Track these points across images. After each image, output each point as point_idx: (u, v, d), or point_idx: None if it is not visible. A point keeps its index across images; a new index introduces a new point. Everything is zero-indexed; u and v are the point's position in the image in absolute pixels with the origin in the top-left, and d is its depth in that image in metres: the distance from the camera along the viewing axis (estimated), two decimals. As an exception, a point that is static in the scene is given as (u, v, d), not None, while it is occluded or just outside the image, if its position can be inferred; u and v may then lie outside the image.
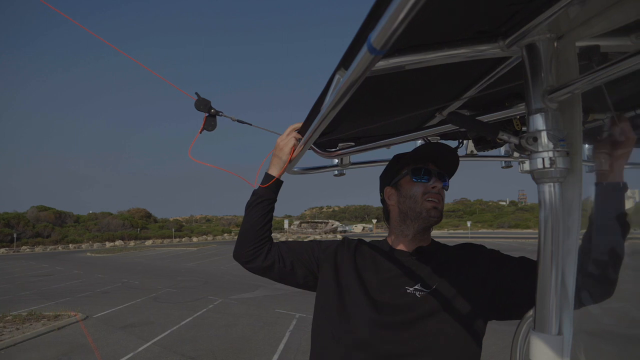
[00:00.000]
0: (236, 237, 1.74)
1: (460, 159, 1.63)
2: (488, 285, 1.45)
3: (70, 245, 63.64)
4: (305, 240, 1.79)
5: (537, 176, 0.94)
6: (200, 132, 1.77)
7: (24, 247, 58.76)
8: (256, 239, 1.68)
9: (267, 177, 1.74)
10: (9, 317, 11.68)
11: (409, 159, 1.63)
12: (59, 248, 60.68)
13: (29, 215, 70.83)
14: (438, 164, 1.62)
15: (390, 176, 1.69)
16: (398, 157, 1.70)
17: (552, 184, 0.92)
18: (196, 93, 1.75)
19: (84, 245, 64.52)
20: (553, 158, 0.91)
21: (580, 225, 0.95)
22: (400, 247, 1.63)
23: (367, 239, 1.75)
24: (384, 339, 1.45)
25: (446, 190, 1.62)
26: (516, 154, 2.27)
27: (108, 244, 66.55)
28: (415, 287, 1.51)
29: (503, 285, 1.43)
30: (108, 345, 9.10)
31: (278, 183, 1.75)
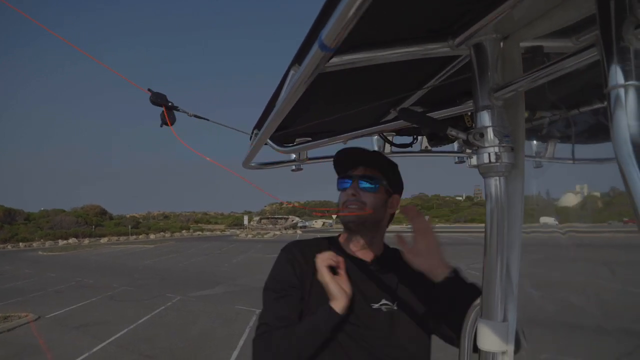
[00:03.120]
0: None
1: (414, 154, 1.66)
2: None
3: (20, 243, 60.84)
4: (281, 284, 1.50)
5: (484, 170, 0.98)
6: (170, 125, 1.68)
7: (-31, 247, 55.95)
8: None
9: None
10: (-47, 319, 11.10)
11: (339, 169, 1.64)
12: (8, 247, 57.86)
13: (-25, 213, 67.63)
14: (362, 162, 1.58)
15: None
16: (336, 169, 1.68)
17: (497, 177, 0.96)
18: (149, 89, 1.70)
19: (35, 244, 61.81)
20: (498, 153, 0.94)
21: (522, 217, 1.00)
22: (355, 251, 1.60)
23: (327, 234, 1.72)
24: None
25: (372, 189, 1.54)
26: (468, 150, 2.33)
27: (61, 242, 63.96)
28: (381, 302, 1.51)
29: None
30: (62, 346, 8.82)
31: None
